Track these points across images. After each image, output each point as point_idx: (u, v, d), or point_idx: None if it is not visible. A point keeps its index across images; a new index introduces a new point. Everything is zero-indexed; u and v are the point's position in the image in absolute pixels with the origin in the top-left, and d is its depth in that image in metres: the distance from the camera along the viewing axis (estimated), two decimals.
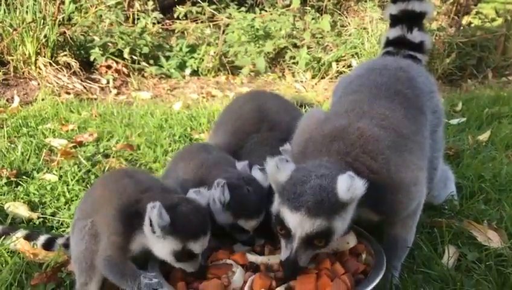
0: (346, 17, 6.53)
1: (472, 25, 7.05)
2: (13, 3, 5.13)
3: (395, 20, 2.24)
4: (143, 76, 5.70)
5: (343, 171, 1.42)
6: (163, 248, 1.47)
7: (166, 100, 5.02)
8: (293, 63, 5.86)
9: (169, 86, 5.59)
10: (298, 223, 1.36)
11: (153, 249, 1.50)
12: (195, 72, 5.96)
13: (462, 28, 6.98)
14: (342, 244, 1.61)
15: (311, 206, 1.35)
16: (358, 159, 1.53)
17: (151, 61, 5.88)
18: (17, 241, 1.94)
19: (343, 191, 1.36)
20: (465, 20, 7.24)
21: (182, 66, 5.95)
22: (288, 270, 1.42)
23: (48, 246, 1.97)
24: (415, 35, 2.20)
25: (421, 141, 1.76)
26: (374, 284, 1.40)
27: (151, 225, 1.42)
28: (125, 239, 1.52)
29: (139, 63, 5.71)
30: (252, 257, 1.54)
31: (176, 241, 1.44)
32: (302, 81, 5.68)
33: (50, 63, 5.03)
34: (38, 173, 2.73)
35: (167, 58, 5.96)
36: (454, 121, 3.87)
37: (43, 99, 4.46)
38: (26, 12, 5.08)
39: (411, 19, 2.19)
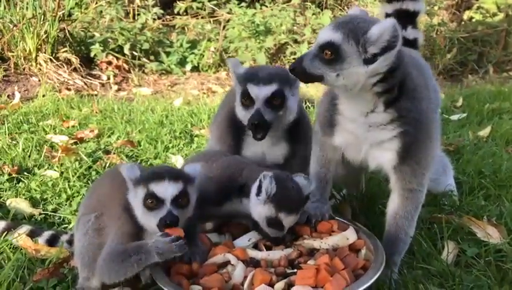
0: (347, 12, 6.52)
1: (473, 20, 7.04)
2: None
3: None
4: (143, 72, 5.72)
5: None
6: (136, 197, 1.53)
7: (166, 96, 5.03)
8: (294, 58, 5.86)
9: (170, 82, 5.59)
10: None
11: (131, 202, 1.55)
12: (195, 68, 5.97)
13: (463, 23, 6.97)
14: (341, 240, 1.62)
15: None
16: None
17: (152, 57, 5.90)
18: (19, 237, 1.95)
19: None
20: (466, 15, 7.23)
21: (182, 62, 5.97)
22: None
23: (52, 242, 1.98)
24: (409, 33, 2.27)
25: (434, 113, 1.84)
26: (374, 279, 1.41)
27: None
28: (134, 226, 1.55)
29: (139, 59, 5.72)
30: (252, 253, 1.55)
31: (143, 187, 1.50)
32: None
33: (50, 59, 5.05)
34: (39, 169, 2.73)
35: (167, 54, 5.96)
36: (454, 117, 3.88)
37: (43, 96, 4.47)
38: (26, 8, 5.09)
39: (405, 18, 2.25)
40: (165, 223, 1.48)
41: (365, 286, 1.36)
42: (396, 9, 2.25)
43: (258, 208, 1.63)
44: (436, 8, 6.82)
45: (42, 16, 5.01)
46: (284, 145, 2.08)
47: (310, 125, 2.17)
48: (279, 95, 1.89)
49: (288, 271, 1.46)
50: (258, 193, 1.62)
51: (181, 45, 6.05)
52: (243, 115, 1.96)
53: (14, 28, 4.94)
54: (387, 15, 2.31)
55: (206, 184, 1.82)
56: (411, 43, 2.28)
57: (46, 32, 5.00)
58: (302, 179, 1.69)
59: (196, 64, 5.94)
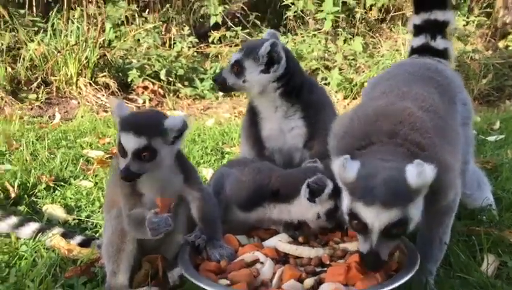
0: (379, 40, 6.54)
1: (509, 48, 6.92)
2: (59, 28, 5.45)
3: (418, 30, 2.30)
4: (178, 97, 5.86)
5: (409, 159, 1.41)
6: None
7: (199, 119, 5.12)
8: (325, 84, 5.89)
9: (203, 106, 5.71)
10: (375, 216, 1.36)
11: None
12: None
13: (498, 50, 6.86)
14: None
15: (386, 199, 1.35)
16: (407, 138, 1.52)
17: (186, 83, 6.04)
18: (53, 237, 1.99)
19: (414, 180, 1.36)
20: (502, 43, 7.13)
21: (215, 88, 6.08)
22: (371, 263, 1.39)
23: (84, 245, 2.01)
24: (439, 43, 2.25)
25: (455, 129, 1.75)
26: (407, 278, 1.35)
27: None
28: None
29: (174, 85, 5.87)
30: (281, 245, 1.53)
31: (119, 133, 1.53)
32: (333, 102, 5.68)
33: (90, 83, 5.27)
34: (75, 180, 2.81)
35: (201, 80, 6.11)
36: (491, 138, 3.77)
37: (82, 117, 4.64)
38: (70, 35, 5.37)
39: (434, 28, 2.24)
40: (120, 176, 1.52)
41: (397, 284, 1.31)
42: (425, 19, 2.25)
43: (315, 208, 1.67)
44: (470, 39, 6.75)
45: (84, 43, 5.27)
46: (298, 123, 2.14)
47: (328, 106, 2.28)
48: (237, 64, 2.11)
49: (318, 270, 1.43)
50: (313, 197, 1.65)
51: (215, 72, 6.19)
52: None
53: (58, 54, 5.20)
54: (416, 26, 2.31)
55: (238, 188, 1.83)
56: (441, 53, 2.26)
57: (86, 57, 5.24)
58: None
59: None
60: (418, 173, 1.35)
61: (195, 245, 1.61)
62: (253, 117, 2.22)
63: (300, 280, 1.37)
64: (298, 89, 2.13)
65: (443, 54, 2.25)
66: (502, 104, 5.63)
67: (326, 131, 1.98)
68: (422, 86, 1.81)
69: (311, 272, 1.42)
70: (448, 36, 2.30)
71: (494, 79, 5.79)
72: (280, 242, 1.57)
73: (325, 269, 1.42)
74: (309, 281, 1.34)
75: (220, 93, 6.04)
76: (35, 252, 1.93)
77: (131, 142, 1.49)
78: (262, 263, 1.47)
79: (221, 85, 2.17)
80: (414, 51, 2.32)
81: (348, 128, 1.71)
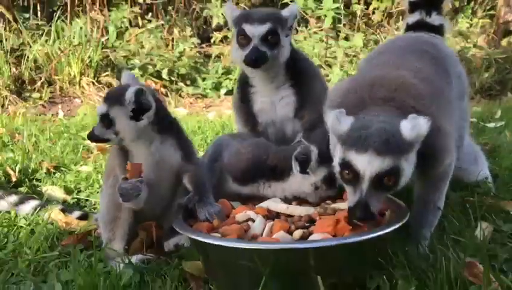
0: (381, 37, 6.56)
1: None
2: (62, 29, 5.53)
3: (413, 6, 2.30)
4: (180, 95, 5.91)
5: (403, 116, 1.42)
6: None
7: (201, 115, 5.16)
8: (327, 80, 5.91)
9: (205, 104, 5.75)
10: (367, 162, 1.35)
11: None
12: (230, 92, 6.11)
13: (501, 47, 6.86)
14: None
15: (379, 146, 1.35)
16: (404, 103, 1.52)
17: (188, 82, 6.10)
18: (51, 210, 2.02)
19: (407, 131, 1.37)
20: (504, 41, 7.12)
21: (217, 87, 6.13)
22: (360, 213, 1.35)
23: (81, 219, 2.03)
24: (434, 19, 2.24)
25: (451, 100, 1.76)
26: (392, 228, 1.35)
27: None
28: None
29: (176, 84, 5.92)
30: (272, 205, 1.54)
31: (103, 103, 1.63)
32: None
33: (93, 82, 5.33)
34: (75, 165, 2.85)
35: (203, 79, 6.16)
36: (491, 125, 3.76)
37: (85, 114, 4.69)
38: (73, 36, 5.46)
39: (429, 4, 2.24)
40: (87, 136, 1.69)
41: (383, 232, 1.31)
42: None
43: (310, 179, 1.68)
44: (472, 36, 6.74)
45: (87, 43, 5.35)
46: (288, 91, 2.13)
47: (317, 75, 2.27)
48: (274, 33, 2.00)
49: (308, 225, 1.44)
50: (303, 168, 1.67)
51: (216, 72, 6.25)
52: (240, 55, 2.04)
53: (61, 54, 5.28)
54: (411, 3, 2.32)
55: (236, 159, 1.84)
56: (436, 29, 2.26)
57: (89, 57, 5.31)
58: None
59: (231, 89, 6.08)
60: (413, 126, 1.36)
61: (188, 209, 1.63)
62: (244, 93, 2.23)
63: (290, 233, 1.38)
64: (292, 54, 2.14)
65: (438, 30, 2.25)
66: (504, 97, 5.62)
67: (316, 99, 1.98)
68: (417, 58, 1.82)
69: (301, 226, 1.43)
70: (443, 12, 2.32)
71: (496, 73, 5.78)
72: (270, 202, 1.58)
73: (315, 223, 1.43)
74: (298, 233, 1.35)
75: (222, 92, 6.09)
76: (34, 224, 1.96)
77: (99, 109, 1.63)
78: (253, 220, 1.48)
79: (261, 61, 2.02)
80: (409, 27, 2.32)
81: (344, 98, 1.72)
